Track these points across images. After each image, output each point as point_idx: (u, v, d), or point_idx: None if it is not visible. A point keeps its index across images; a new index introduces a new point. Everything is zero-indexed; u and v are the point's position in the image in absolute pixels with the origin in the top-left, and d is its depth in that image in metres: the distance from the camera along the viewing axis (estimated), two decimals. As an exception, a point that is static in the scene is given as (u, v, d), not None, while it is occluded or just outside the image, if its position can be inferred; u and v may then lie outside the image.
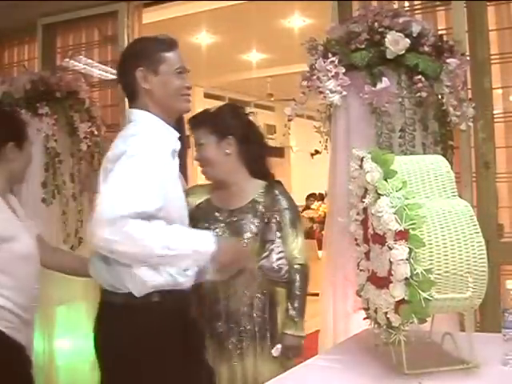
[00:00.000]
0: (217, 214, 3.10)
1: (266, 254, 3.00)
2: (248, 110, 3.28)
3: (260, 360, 3.02)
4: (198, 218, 3.03)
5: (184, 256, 2.30)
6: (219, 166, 3.05)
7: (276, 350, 3.03)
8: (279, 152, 15.72)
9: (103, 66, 5.06)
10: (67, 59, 5.12)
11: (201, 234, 2.41)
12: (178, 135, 2.52)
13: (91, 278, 2.57)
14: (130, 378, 2.34)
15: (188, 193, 3.02)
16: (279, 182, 3.22)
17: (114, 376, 2.40)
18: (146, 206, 2.21)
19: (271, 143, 14.94)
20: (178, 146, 2.50)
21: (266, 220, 3.04)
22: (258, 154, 3.17)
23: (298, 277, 3.08)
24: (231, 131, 3.06)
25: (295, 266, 3.08)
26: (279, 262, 3.02)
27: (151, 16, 5.14)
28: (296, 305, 3.07)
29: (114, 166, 2.25)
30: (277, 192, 3.12)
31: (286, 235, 3.07)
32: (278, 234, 3.03)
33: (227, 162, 3.05)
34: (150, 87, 2.45)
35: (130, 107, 2.52)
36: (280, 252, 3.01)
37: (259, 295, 3.03)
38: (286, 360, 3.06)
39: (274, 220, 3.05)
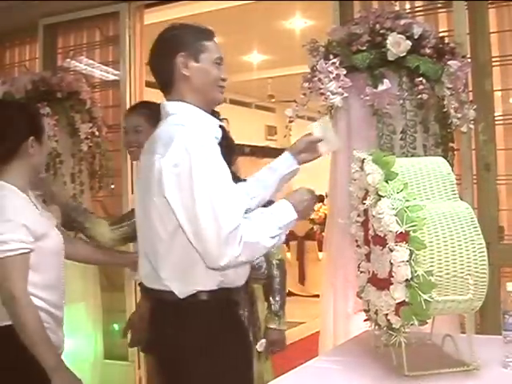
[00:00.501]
0: None
1: None
2: (222, 115, 3.28)
3: None
4: None
5: (282, 234, 2.33)
6: None
7: (260, 345, 3.07)
8: (280, 153, 15.71)
9: (104, 67, 5.07)
10: (68, 60, 5.13)
11: (283, 208, 2.38)
12: (219, 122, 2.49)
13: (104, 265, 2.56)
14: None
15: None
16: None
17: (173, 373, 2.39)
18: (241, 207, 2.26)
19: (272, 145, 14.98)
20: (219, 133, 2.47)
21: None
22: (226, 160, 3.18)
23: (277, 272, 3.12)
24: None
25: (274, 262, 3.11)
26: (258, 259, 3.01)
27: (152, 17, 5.14)
28: (278, 299, 3.11)
29: (189, 179, 2.19)
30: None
31: None
32: None
33: None
34: (190, 74, 2.39)
35: (166, 99, 2.47)
36: None
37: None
38: (271, 354, 3.10)
39: None
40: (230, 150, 3.19)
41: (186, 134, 2.25)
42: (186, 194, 2.18)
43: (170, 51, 2.39)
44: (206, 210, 2.16)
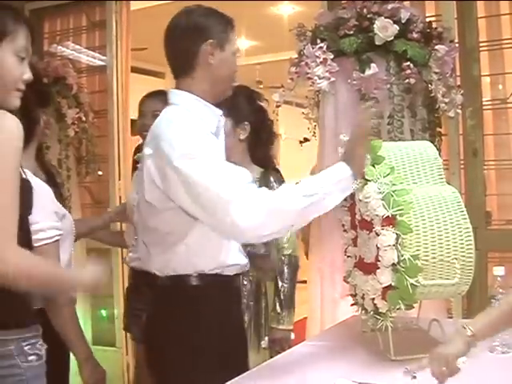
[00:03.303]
0: None
1: None
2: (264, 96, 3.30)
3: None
4: None
5: (328, 194, 2.08)
6: (229, 152, 2.65)
7: (265, 342, 3.04)
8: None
9: (91, 52, 5.03)
10: (55, 45, 5.07)
11: (333, 168, 2.14)
12: (221, 112, 2.39)
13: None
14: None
15: None
16: (276, 170, 3.22)
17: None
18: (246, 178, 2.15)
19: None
20: (221, 122, 2.40)
21: None
22: (265, 142, 3.17)
23: (285, 268, 3.07)
24: (247, 117, 3.03)
25: (282, 257, 3.07)
26: (265, 248, 2.96)
27: (139, 2, 5.10)
28: (282, 297, 3.05)
29: (182, 162, 2.12)
30: (272, 179, 3.07)
31: None
32: None
33: (238, 148, 3.01)
34: (214, 63, 2.29)
35: (175, 87, 2.38)
36: None
37: (245, 283, 3.01)
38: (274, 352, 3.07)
39: None
40: (268, 134, 3.19)
41: (173, 131, 2.20)
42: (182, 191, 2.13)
43: (198, 37, 2.30)
44: (213, 193, 2.07)
